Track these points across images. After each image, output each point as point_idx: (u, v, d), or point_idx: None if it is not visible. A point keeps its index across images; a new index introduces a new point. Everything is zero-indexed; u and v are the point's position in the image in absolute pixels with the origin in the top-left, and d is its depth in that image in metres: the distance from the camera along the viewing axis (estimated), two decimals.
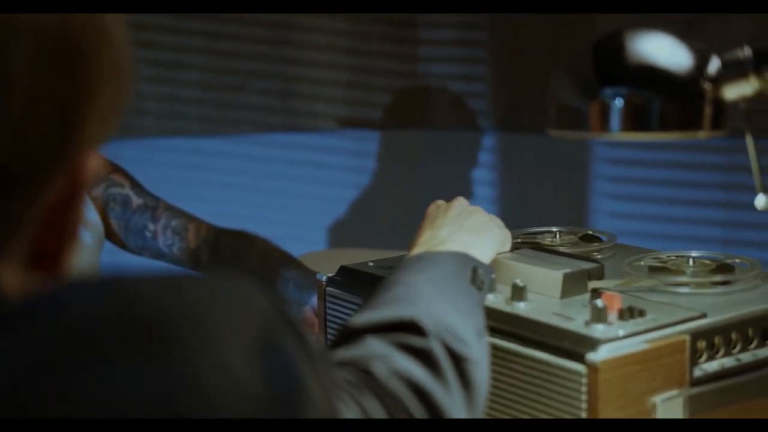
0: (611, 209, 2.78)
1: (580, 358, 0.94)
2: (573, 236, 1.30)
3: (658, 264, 1.15)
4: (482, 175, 2.86)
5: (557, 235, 1.30)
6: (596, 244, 1.27)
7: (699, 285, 1.09)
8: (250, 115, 2.88)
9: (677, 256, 1.17)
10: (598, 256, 1.23)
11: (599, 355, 0.94)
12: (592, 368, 0.93)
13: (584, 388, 0.94)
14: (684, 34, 0.81)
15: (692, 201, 2.66)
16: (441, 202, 1.13)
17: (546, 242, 1.27)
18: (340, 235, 2.90)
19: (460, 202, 1.12)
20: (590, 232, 1.31)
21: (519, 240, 1.29)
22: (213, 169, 2.87)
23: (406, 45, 2.89)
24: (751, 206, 1.04)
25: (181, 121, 2.84)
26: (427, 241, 1.05)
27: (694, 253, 1.17)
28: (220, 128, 2.86)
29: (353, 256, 1.32)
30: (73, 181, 0.52)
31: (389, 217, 2.92)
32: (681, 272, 1.12)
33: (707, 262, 1.15)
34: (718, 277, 1.10)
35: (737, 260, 1.16)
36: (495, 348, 1.02)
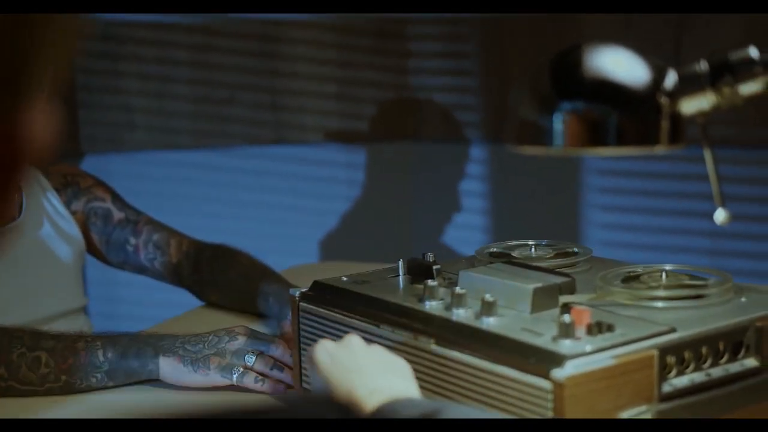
0: (602, 220, 2.77)
1: (545, 375, 0.93)
2: (549, 249, 1.30)
3: (630, 278, 1.15)
4: (472, 186, 2.85)
5: (532, 249, 1.29)
6: (571, 258, 1.27)
7: (671, 299, 1.09)
8: (240, 128, 2.87)
9: (651, 270, 1.16)
10: (573, 270, 1.23)
11: (565, 372, 0.93)
12: (558, 385, 0.92)
13: (550, 405, 0.93)
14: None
15: (682, 212, 2.65)
16: (328, 344, 1.02)
17: (520, 256, 1.26)
18: (331, 247, 2.89)
19: (356, 341, 1.02)
20: (567, 246, 1.30)
21: (494, 252, 1.29)
22: (203, 182, 2.87)
23: (394, 57, 2.89)
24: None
25: (171, 134, 2.83)
26: (366, 397, 0.92)
27: (668, 267, 1.16)
28: (209, 141, 2.85)
29: (343, 269, 1.32)
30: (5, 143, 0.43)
31: (381, 229, 2.91)
32: (653, 286, 1.11)
33: (680, 275, 1.14)
34: (689, 291, 1.09)
35: (711, 273, 1.15)
36: (463, 364, 1.02)
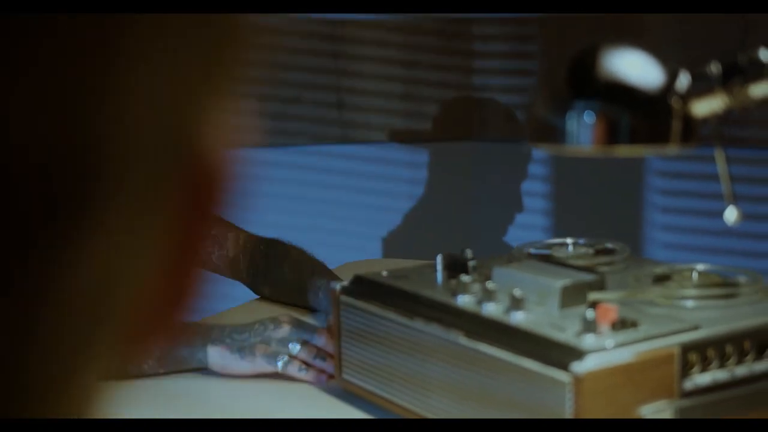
0: (663, 222, 2.76)
1: (565, 368, 0.96)
2: (587, 248, 1.31)
3: (663, 277, 1.16)
4: (534, 187, 2.86)
5: (570, 247, 1.31)
6: (608, 256, 1.28)
7: (700, 298, 1.10)
8: (306, 127, 2.92)
9: (683, 270, 1.17)
10: (609, 269, 1.24)
11: (584, 366, 0.95)
12: (577, 378, 0.95)
13: (569, 398, 0.95)
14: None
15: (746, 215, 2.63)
16: None
17: (557, 253, 1.28)
18: (393, 244, 2.93)
19: None
20: (605, 245, 1.32)
21: (531, 249, 1.31)
22: (268, 179, 2.92)
23: (459, 57, 2.91)
24: None
25: (238, 132, 2.89)
26: None
27: (700, 266, 1.17)
28: (275, 139, 2.91)
29: (399, 266, 1.35)
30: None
31: (442, 227, 2.94)
32: (683, 286, 1.13)
33: (711, 275, 1.16)
34: (719, 291, 1.11)
35: (743, 273, 1.16)
36: (490, 357, 1.04)
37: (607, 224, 2.76)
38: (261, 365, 1.34)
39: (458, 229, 2.95)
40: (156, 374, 1.38)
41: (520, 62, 2.86)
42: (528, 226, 2.87)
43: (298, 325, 1.38)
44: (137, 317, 0.31)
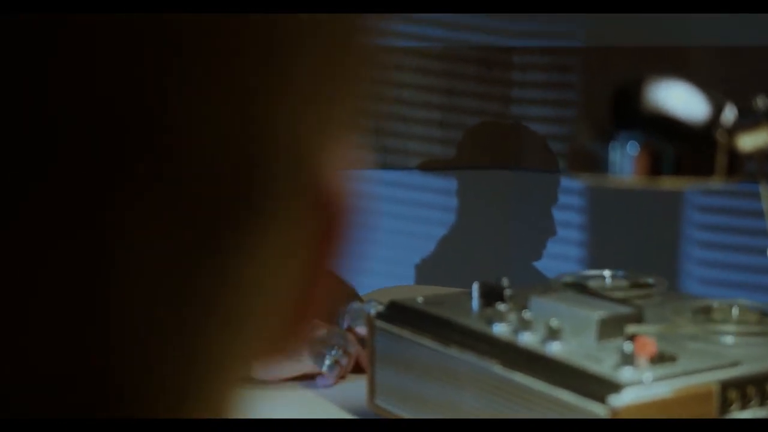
0: (701, 257, 2.73)
1: (602, 401, 0.95)
2: (624, 281, 1.30)
3: (702, 311, 1.15)
4: (571, 218, 2.85)
5: (608, 279, 1.30)
6: (646, 289, 1.27)
7: (741, 334, 1.09)
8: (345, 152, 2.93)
9: (723, 305, 1.16)
10: (647, 302, 1.23)
11: (622, 399, 0.94)
12: (614, 411, 0.93)
13: None
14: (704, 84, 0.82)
15: None
16: None
17: (595, 285, 1.27)
18: (427, 271, 2.92)
19: None
20: (643, 278, 1.31)
21: (569, 280, 1.30)
22: None
23: (499, 86, 2.91)
24: None
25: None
26: None
27: (740, 302, 1.16)
28: None
29: (432, 292, 1.36)
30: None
31: (476, 255, 2.93)
32: (724, 320, 1.11)
33: (752, 312, 1.14)
34: (760, 328, 1.09)
35: None
36: (525, 387, 1.03)
37: (643, 258, 2.74)
38: (307, 365, 1.38)
39: (490, 258, 2.94)
40: None
41: (558, 92, 2.85)
42: (562, 257, 2.86)
43: (329, 328, 1.43)
44: (274, 327, 0.33)
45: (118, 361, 0.28)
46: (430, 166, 2.93)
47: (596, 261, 2.80)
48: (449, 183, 2.95)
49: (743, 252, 2.67)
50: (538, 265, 2.88)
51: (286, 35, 0.29)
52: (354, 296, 1.64)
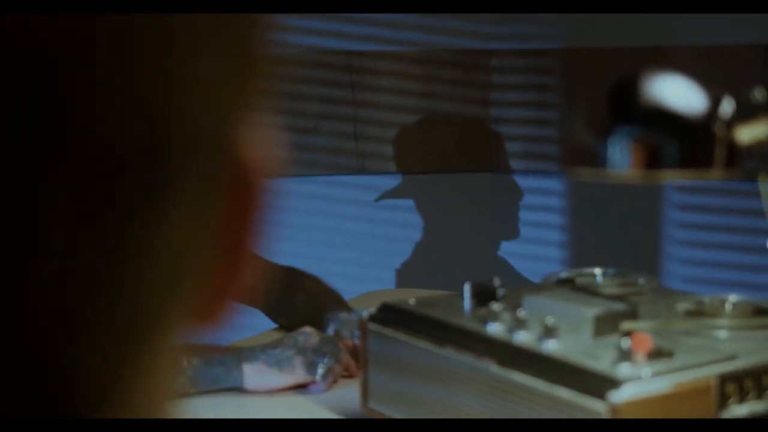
0: (682, 255, 2.75)
1: (602, 397, 0.95)
2: (615, 278, 1.30)
3: (695, 307, 1.15)
4: (551, 219, 2.85)
5: (599, 277, 1.30)
6: (637, 286, 1.27)
7: (735, 328, 1.09)
8: (322, 157, 2.92)
9: (716, 300, 1.16)
10: (639, 299, 1.23)
11: (621, 395, 0.94)
12: (614, 408, 0.93)
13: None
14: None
15: (763, 248, 2.62)
16: None
17: (586, 283, 1.27)
18: (408, 275, 2.92)
19: None
20: (633, 276, 1.31)
21: (560, 279, 1.30)
22: (285, 208, 2.92)
23: (476, 89, 2.92)
24: None
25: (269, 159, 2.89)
26: None
27: (732, 297, 1.16)
28: (293, 169, 2.91)
29: (416, 295, 1.35)
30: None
31: (457, 258, 2.92)
32: (717, 315, 1.12)
33: (745, 306, 1.14)
34: (753, 322, 1.10)
35: None
36: (523, 385, 1.03)
37: (625, 258, 2.75)
38: (301, 376, 1.37)
39: (472, 261, 2.94)
40: (186, 394, 1.37)
41: (537, 94, 2.86)
42: (544, 258, 2.86)
43: (319, 334, 1.42)
44: (199, 295, 0.33)
45: (51, 346, 0.29)
46: (409, 170, 2.93)
47: (578, 262, 2.81)
48: (430, 186, 2.95)
49: (726, 250, 2.68)
50: (519, 266, 2.88)
51: (191, 28, 0.31)
52: (341, 303, 1.63)
